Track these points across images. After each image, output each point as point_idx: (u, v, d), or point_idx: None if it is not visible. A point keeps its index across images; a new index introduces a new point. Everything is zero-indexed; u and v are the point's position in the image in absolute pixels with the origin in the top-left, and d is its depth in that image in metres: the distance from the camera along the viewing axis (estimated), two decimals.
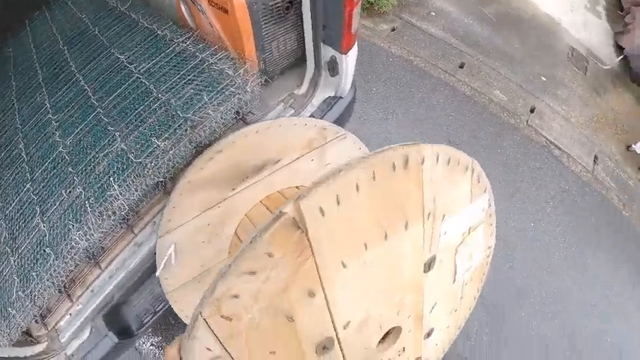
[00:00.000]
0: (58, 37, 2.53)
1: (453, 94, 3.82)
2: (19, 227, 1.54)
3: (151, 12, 2.12)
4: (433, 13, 4.58)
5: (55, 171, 1.60)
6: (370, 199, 0.85)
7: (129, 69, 1.76)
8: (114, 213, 1.37)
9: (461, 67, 4.05)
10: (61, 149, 1.63)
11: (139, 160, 1.38)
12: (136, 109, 1.56)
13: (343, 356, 0.96)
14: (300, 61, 1.85)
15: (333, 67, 1.72)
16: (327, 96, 1.89)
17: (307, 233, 0.78)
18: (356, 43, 1.70)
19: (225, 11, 1.55)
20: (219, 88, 1.44)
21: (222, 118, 1.42)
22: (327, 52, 1.69)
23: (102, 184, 1.42)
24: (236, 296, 0.79)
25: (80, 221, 1.37)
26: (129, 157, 1.40)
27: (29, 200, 1.58)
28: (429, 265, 1.06)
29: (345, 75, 1.75)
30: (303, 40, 1.72)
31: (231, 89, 1.43)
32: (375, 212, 0.88)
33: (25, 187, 1.63)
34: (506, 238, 3.05)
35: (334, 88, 1.86)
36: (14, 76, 2.53)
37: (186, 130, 1.39)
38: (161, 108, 1.50)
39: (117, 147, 1.47)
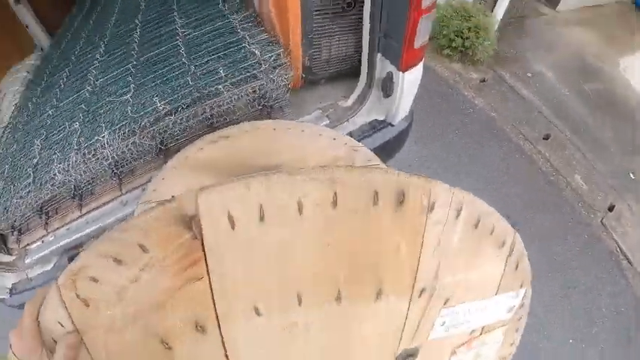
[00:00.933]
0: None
1: (529, 165, 3.44)
2: (26, 142, 1.62)
3: None
4: (529, 74, 4.22)
5: (72, 104, 1.63)
6: (321, 233, 0.57)
7: (177, 32, 1.71)
8: (98, 160, 1.32)
9: (545, 138, 3.65)
10: (88, 87, 1.65)
11: (135, 116, 1.29)
12: (162, 70, 1.49)
13: None
14: (355, 71, 1.63)
15: (388, 86, 1.47)
16: (374, 118, 1.63)
17: (203, 242, 0.54)
18: (421, 63, 1.47)
19: None
20: (239, 67, 1.29)
21: (236, 99, 1.25)
22: (384, 66, 1.45)
23: (96, 128, 1.37)
24: (94, 280, 0.57)
25: (64, 155, 1.36)
26: (127, 110, 1.33)
27: (43, 123, 1.64)
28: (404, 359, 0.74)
29: (400, 98, 1.48)
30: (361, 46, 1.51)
31: (254, 72, 1.27)
32: (325, 255, 0.58)
33: (48, 110, 1.69)
34: (534, 346, 2.59)
35: (385, 112, 1.61)
36: (95, 16, 2.72)
37: (193, 100, 1.25)
38: (182, 75, 1.40)
39: (125, 98, 1.41)
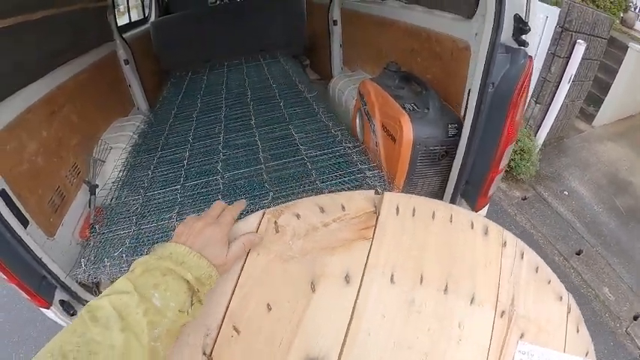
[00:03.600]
0: (248, 91, 3.12)
1: (562, 279, 3.54)
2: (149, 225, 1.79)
3: (328, 109, 2.57)
4: (566, 193, 4.59)
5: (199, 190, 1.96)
6: (443, 235, 0.91)
7: (299, 149, 2.15)
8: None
9: (578, 253, 3.95)
10: (220, 179, 2.00)
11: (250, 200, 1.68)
12: (291, 178, 1.92)
13: None
14: None
15: None
16: None
17: (378, 217, 0.90)
18: (488, 205, 1.91)
19: (394, 140, 1.89)
20: None
21: None
22: (462, 205, 1.87)
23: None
24: (298, 216, 0.88)
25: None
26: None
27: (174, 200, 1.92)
28: None
29: None
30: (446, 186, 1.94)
31: None
32: (443, 252, 0.90)
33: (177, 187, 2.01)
34: None
35: None
36: (201, 97, 3.15)
37: None
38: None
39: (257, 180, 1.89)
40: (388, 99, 1.97)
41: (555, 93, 4.45)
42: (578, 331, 0.97)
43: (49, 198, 1.81)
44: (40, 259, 1.48)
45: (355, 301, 0.82)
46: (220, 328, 0.79)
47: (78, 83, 2.44)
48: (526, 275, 0.95)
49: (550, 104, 4.55)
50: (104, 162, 2.36)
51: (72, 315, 1.56)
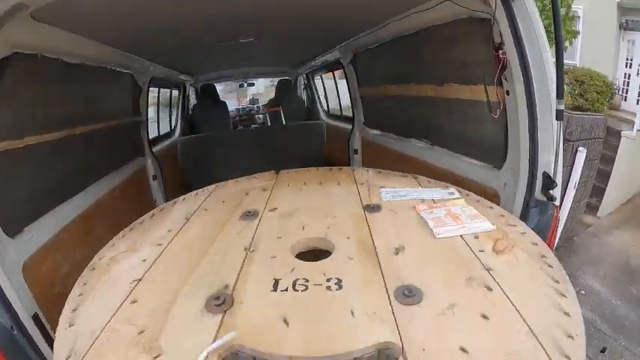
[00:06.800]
0: None
1: None
2: None
3: None
4: (583, 292, 4.66)
5: None
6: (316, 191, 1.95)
7: None
8: None
9: (602, 351, 3.88)
10: None
11: None
12: None
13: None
14: None
15: None
16: None
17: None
18: None
19: None
20: None
21: None
22: None
23: None
24: None
25: None
26: None
27: None
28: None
29: None
30: None
31: None
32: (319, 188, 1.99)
33: None
34: None
35: None
36: None
37: None
38: None
39: None
40: None
41: (563, 201, 4.67)
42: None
43: None
44: None
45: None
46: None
47: (112, 199, 2.47)
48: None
49: None
50: None
51: None
